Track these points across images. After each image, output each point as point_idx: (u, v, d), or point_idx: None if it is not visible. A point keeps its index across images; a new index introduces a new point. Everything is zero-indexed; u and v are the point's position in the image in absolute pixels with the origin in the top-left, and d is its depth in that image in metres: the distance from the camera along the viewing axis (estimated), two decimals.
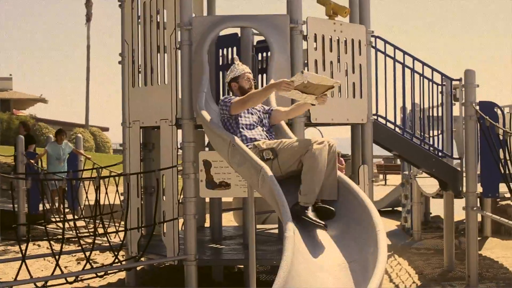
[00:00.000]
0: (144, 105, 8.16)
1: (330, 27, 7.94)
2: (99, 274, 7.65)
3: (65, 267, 9.87)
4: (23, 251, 6.96)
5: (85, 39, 46.68)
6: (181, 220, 8.01)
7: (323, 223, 5.10)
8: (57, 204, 13.51)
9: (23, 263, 6.87)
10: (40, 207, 12.61)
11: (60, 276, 7.23)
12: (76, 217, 11.02)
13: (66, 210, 13.23)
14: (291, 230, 4.92)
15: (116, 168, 11.11)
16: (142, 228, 8.63)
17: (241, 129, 5.79)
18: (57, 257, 7.24)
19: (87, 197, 10.06)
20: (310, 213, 5.14)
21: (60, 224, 12.36)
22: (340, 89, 7.93)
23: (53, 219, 12.23)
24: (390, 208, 17.03)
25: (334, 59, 7.94)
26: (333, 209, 5.21)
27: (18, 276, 7.43)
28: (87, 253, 7.61)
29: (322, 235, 5.42)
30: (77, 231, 8.32)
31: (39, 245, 11.59)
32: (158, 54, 7.86)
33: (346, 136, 9.16)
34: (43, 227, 11.00)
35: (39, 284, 7.09)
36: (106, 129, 44.79)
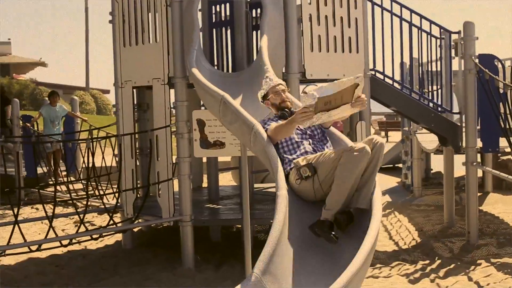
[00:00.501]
0: (136, 65, 8.01)
1: None
2: (94, 236, 7.57)
3: (63, 230, 9.83)
4: (16, 215, 6.86)
5: (83, 1, 46.20)
6: (176, 181, 7.91)
7: (336, 237, 4.47)
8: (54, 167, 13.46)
9: (14, 227, 6.76)
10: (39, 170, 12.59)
11: (54, 239, 7.15)
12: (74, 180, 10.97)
13: (64, 173, 13.14)
14: (284, 189, 4.81)
15: (111, 130, 10.98)
16: (138, 190, 8.54)
17: (283, 155, 5.01)
18: (51, 220, 7.13)
19: (83, 160, 9.96)
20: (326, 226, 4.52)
21: (58, 187, 12.34)
22: (336, 43, 7.75)
23: (50, 182, 12.15)
24: (391, 165, 16.94)
25: (329, 13, 7.73)
26: (351, 211, 4.57)
27: (12, 240, 7.38)
28: (82, 216, 7.52)
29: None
30: (71, 194, 8.21)
31: (37, 209, 11.53)
32: (149, 12, 7.68)
33: None
34: (42, 191, 11.01)
35: (33, 247, 7.01)
36: (107, 91, 44.56)
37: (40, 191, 10.60)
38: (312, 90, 4.33)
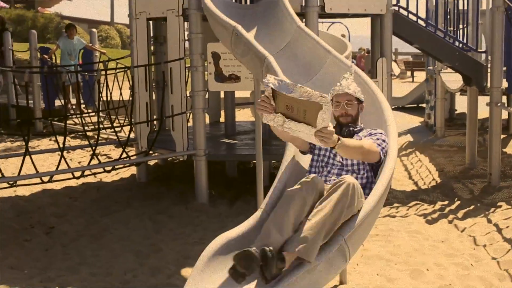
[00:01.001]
0: None
1: None
2: (107, 169, 7.48)
3: (79, 162, 9.79)
4: (26, 146, 6.78)
5: None
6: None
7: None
8: (73, 100, 13.39)
9: (25, 157, 6.68)
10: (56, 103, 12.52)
11: (65, 171, 7.09)
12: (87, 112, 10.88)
13: (82, 106, 13.06)
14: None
15: (127, 62, 10.80)
16: (153, 123, 8.43)
17: None
18: (62, 151, 7.05)
19: (100, 93, 9.83)
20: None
21: (76, 120, 12.30)
22: None
23: (68, 115, 12.07)
24: (415, 105, 16.65)
25: None
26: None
27: (27, 171, 7.34)
28: (94, 148, 7.41)
29: None
30: (84, 126, 8.12)
31: (55, 141, 11.45)
32: None
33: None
34: (58, 123, 10.96)
35: (45, 178, 6.95)
36: None
37: (55, 122, 10.58)
38: (273, 79, 3.53)
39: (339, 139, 3.69)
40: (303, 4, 7.17)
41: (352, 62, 12.08)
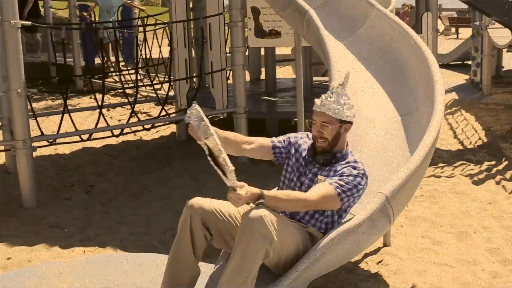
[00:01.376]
0: None
1: None
2: (146, 126, 7.39)
3: (119, 120, 9.74)
4: (65, 104, 6.71)
5: None
6: None
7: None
8: (113, 58, 13.32)
9: (63, 115, 6.62)
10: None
11: (104, 129, 7.01)
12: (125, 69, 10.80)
13: (121, 63, 12.99)
14: (338, 80, 4.49)
15: (165, 18, 10.64)
16: (193, 81, 8.31)
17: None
18: (100, 108, 6.97)
19: (138, 50, 9.70)
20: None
21: (116, 78, 12.24)
22: None
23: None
24: (460, 62, 16.24)
25: None
26: None
27: (66, 129, 7.30)
28: (133, 106, 7.32)
29: (374, 87, 4.98)
30: (123, 84, 8.02)
31: (94, 99, 11.42)
32: None
33: None
34: (98, 81, 10.89)
35: (84, 136, 6.89)
36: None
37: (95, 80, 10.52)
38: (194, 116, 3.27)
39: (260, 196, 3.31)
40: None
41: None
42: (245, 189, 3.26)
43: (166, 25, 8.13)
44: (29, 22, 6.63)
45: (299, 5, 4.94)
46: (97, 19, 13.61)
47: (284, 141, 3.94)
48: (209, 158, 3.22)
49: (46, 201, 6.25)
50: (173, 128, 8.91)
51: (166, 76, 9.15)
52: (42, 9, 14.83)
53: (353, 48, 5.29)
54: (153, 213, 5.85)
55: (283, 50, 10.99)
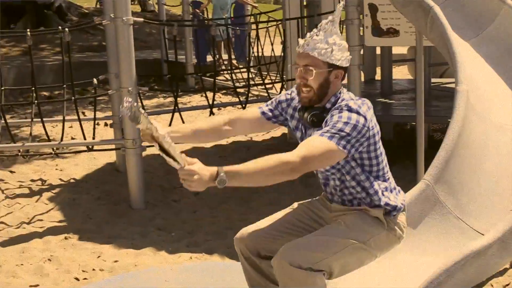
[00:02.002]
0: None
1: None
2: None
3: None
4: (175, 102, 6.61)
5: None
6: None
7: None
8: (224, 56, 13.25)
9: (173, 114, 6.52)
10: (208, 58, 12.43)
11: None
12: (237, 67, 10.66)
13: (234, 61, 12.88)
14: (464, 84, 4.13)
15: (279, 15, 10.43)
16: None
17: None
18: (211, 108, 6.84)
19: (250, 48, 9.53)
20: None
21: (228, 76, 12.13)
22: None
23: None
24: None
25: None
26: None
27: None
28: (244, 105, 7.14)
29: (503, 91, 4.58)
30: (234, 82, 7.87)
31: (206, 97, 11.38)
32: None
33: None
34: (210, 79, 10.82)
35: None
36: None
37: (206, 78, 10.44)
38: (125, 104, 2.66)
39: (218, 174, 2.68)
40: None
41: None
42: (198, 165, 2.68)
43: (279, 22, 7.91)
44: (142, 19, 6.54)
45: (423, 1, 4.59)
46: (210, 16, 13.59)
47: (273, 103, 3.33)
48: (157, 148, 2.73)
49: (154, 202, 6.17)
50: (284, 129, 8.69)
51: (278, 75, 8.95)
52: (156, 6, 14.96)
53: (480, 48, 4.89)
54: (263, 219, 5.63)
55: (398, 49, 10.54)
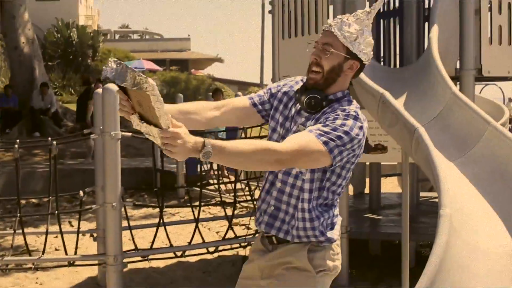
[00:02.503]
0: (294, 58, 7.41)
1: None
2: (242, 244, 7.05)
3: (217, 232, 9.46)
4: (161, 215, 6.49)
5: None
6: None
7: None
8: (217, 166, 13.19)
9: (158, 229, 6.40)
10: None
11: (199, 246, 6.72)
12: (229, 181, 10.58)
13: (225, 172, 12.83)
14: (448, 207, 4.03)
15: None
16: None
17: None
18: (197, 223, 6.71)
19: None
20: None
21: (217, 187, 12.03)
22: None
23: (211, 181, 11.85)
24: None
25: None
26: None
27: (160, 241, 7.06)
28: (230, 220, 7.02)
29: (488, 214, 4.47)
30: (221, 194, 7.79)
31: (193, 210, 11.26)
32: (309, 0, 7.06)
33: None
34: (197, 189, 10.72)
35: (178, 253, 6.63)
36: None
37: (196, 188, 10.32)
38: (110, 64, 2.47)
39: (204, 144, 2.44)
40: (458, 67, 6.55)
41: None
42: (183, 129, 2.42)
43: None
44: (130, 133, 6.53)
45: (408, 122, 4.57)
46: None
47: (265, 94, 3.12)
48: (144, 129, 2.46)
49: None
50: None
51: None
52: None
53: (466, 169, 4.82)
54: None
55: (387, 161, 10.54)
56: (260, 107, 3.10)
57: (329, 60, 2.87)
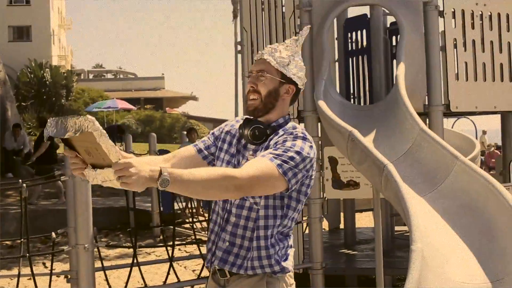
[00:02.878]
0: None
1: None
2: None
3: (193, 270, 9.42)
4: (134, 255, 6.48)
5: (233, 35, 46.86)
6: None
7: None
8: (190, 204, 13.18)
9: (131, 269, 6.40)
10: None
11: (173, 286, 6.70)
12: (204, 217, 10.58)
13: (201, 209, 12.82)
14: (419, 242, 4.09)
15: None
16: None
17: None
18: (171, 262, 6.71)
19: None
20: None
21: (197, 224, 12.02)
22: (485, 71, 6.88)
23: (187, 220, 11.82)
24: None
25: (477, 37, 6.89)
26: None
27: (135, 281, 7.04)
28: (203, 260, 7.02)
29: (459, 248, 4.53)
30: (195, 233, 7.79)
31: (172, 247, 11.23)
32: (277, 40, 7.16)
33: (496, 128, 8.08)
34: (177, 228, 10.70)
35: None
36: None
37: (166, 229, 10.30)
38: (49, 123, 2.47)
39: (161, 173, 2.40)
40: (426, 103, 6.67)
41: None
42: (135, 159, 2.42)
43: None
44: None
45: (377, 159, 4.63)
46: None
47: (209, 138, 3.13)
48: (99, 178, 2.42)
49: None
50: None
51: None
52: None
53: (436, 204, 4.89)
54: None
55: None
56: (205, 152, 3.10)
57: (265, 85, 2.91)
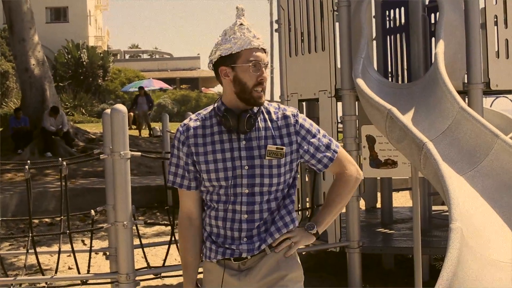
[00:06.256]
0: (301, 76, 7.47)
1: None
2: None
3: None
4: (172, 233, 6.53)
5: (268, 15, 46.72)
6: None
7: None
8: None
9: (170, 246, 6.44)
10: None
11: None
12: None
13: None
14: (458, 221, 4.05)
15: None
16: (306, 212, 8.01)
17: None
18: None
19: None
20: None
21: None
22: None
23: None
24: None
25: None
26: None
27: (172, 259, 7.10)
28: None
29: (499, 227, 4.49)
30: None
31: None
32: (314, 18, 7.12)
33: None
34: None
35: None
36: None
37: None
38: None
39: (311, 227, 3.12)
40: (466, 81, 6.58)
41: None
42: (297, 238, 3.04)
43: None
44: (139, 153, 6.57)
45: (416, 137, 4.60)
46: None
47: (184, 166, 3.02)
48: None
49: None
50: None
51: None
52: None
53: (475, 183, 4.84)
54: None
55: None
56: (196, 182, 3.05)
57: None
